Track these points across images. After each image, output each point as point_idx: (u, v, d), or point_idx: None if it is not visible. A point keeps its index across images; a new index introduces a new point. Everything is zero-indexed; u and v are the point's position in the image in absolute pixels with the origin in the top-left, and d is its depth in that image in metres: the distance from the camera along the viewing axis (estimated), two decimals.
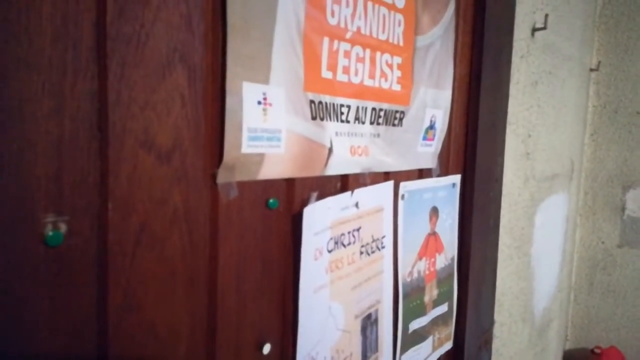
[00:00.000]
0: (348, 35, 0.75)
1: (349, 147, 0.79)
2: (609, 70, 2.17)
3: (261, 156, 0.62)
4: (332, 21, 0.72)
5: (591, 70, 2.13)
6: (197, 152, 0.55)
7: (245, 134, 0.59)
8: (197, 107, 0.55)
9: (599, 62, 2.15)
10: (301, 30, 0.67)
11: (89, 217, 0.45)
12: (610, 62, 2.17)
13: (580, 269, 2.23)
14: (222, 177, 0.58)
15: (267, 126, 0.62)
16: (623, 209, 2.12)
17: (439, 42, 0.99)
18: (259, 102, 0.61)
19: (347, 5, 0.74)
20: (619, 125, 2.16)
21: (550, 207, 1.70)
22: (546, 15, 1.42)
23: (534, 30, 1.42)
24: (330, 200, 0.75)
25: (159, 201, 0.51)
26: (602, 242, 2.17)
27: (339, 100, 0.76)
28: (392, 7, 0.84)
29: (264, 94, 0.62)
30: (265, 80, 0.62)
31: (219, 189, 0.58)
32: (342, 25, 0.74)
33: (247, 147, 0.60)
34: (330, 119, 0.74)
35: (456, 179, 1.14)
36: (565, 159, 1.86)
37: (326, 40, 0.71)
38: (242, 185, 0.61)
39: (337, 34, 0.73)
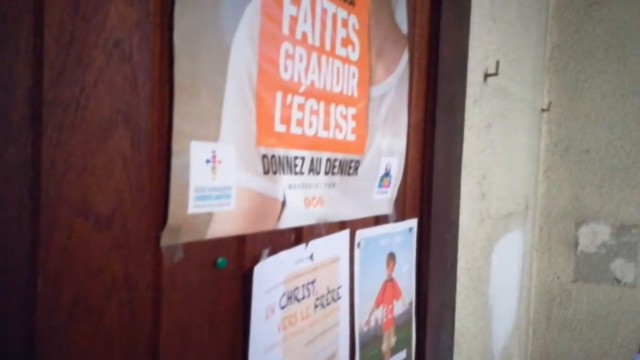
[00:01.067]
0: (302, 89, 0.75)
1: (303, 199, 0.78)
2: (559, 111, 2.28)
3: (209, 215, 0.61)
4: (286, 76, 0.72)
5: (543, 110, 2.23)
6: (139, 216, 0.53)
7: (192, 194, 0.58)
8: (141, 169, 0.53)
9: (550, 103, 2.25)
10: (253, 85, 0.67)
11: (16, 295, 0.42)
12: (560, 103, 2.28)
13: (538, 304, 2.27)
14: (166, 240, 0.56)
15: (216, 184, 0.61)
16: (576, 244, 2.19)
17: (393, 92, 1.01)
18: (208, 161, 0.60)
19: (301, 60, 0.75)
20: (570, 163, 2.25)
21: (506, 245, 1.74)
22: (497, 62, 1.48)
23: (487, 75, 1.48)
24: (283, 255, 0.74)
25: (96, 271, 0.49)
26: (558, 277, 2.22)
27: (293, 152, 0.75)
28: (346, 60, 0.85)
29: (214, 151, 0.61)
30: (215, 138, 0.61)
31: (162, 253, 0.56)
32: (296, 79, 0.74)
33: (194, 207, 0.58)
34: (284, 172, 0.74)
35: (413, 223, 1.15)
36: (519, 197, 1.91)
37: (279, 94, 0.71)
38: (188, 246, 0.59)
39: (290, 88, 0.73)
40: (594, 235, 2.16)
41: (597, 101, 2.23)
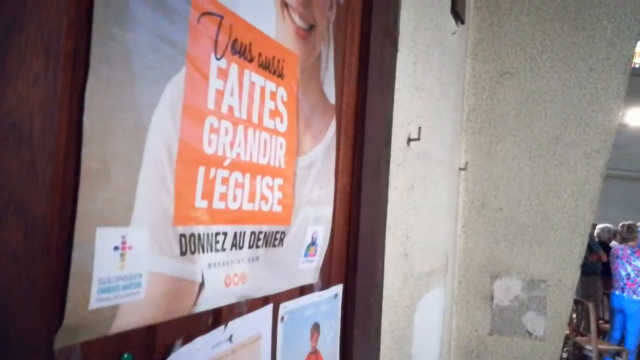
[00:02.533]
0: (226, 163, 0.73)
1: (223, 278, 0.74)
2: (475, 170, 2.42)
3: (115, 308, 0.55)
4: (209, 150, 0.69)
5: (460, 169, 2.37)
6: (30, 317, 0.47)
7: (95, 287, 0.52)
8: (35, 264, 0.47)
9: (467, 163, 2.40)
10: (173, 162, 0.63)
11: None
12: (476, 162, 2.43)
13: (457, 356, 2.33)
14: (61, 342, 0.49)
15: (124, 273, 0.56)
16: (492, 297, 2.30)
17: (320, 160, 1.01)
18: (116, 248, 0.55)
19: (226, 134, 0.72)
20: (485, 219, 2.39)
21: (428, 303, 1.77)
22: (419, 128, 1.55)
23: (409, 140, 1.54)
24: (198, 341, 0.69)
25: None
26: (476, 330, 2.30)
27: (215, 228, 0.72)
28: (274, 132, 0.84)
29: (123, 237, 0.56)
30: (126, 222, 0.56)
31: (55, 357, 0.49)
32: (220, 153, 0.71)
33: (96, 302, 0.52)
34: (203, 251, 0.69)
35: (338, 289, 1.14)
36: (440, 254, 1.98)
37: (202, 169, 0.68)
38: (87, 345, 0.52)
39: (214, 162, 0.70)
40: (507, 289, 2.28)
41: (509, 162, 2.41)
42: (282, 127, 0.87)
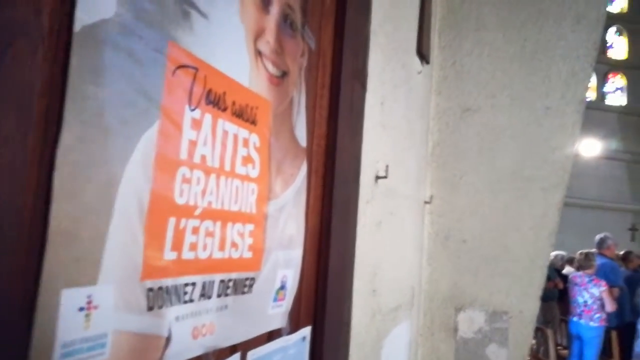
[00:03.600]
0: (197, 212, 0.72)
1: (191, 330, 0.72)
2: (439, 202, 2.48)
3: None
4: (181, 200, 0.69)
5: (426, 202, 2.42)
6: None
7: (58, 352, 0.50)
8: None
9: (432, 196, 2.45)
10: (144, 215, 0.62)
11: None
12: (441, 195, 2.49)
13: None
14: None
15: (89, 334, 0.54)
16: (456, 329, 2.32)
17: (291, 203, 1.01)
18: (82, 308, 0.53)
19: (198, 183, 0.72)
20: (449, 251, 2.43)
21: (395, 338, 1.78)
22: (387, 166, 1.58)
23: (377, 178, 1.57)
24: None
25: None
26: None
27: (183, 279, 0.71)
28: (245, 178, 0.84)
29: (89, 297, 0.54)
30: (93, 281, 0.55)
31: None
32: (192, 202, 0.71)
33: None
34: (171, 304, 0.68)
35: (306, 331, 1.13)
36: (407, 288, 2.00)
37: (172, 220, 0.68)
38: None
39: (185, 212, 0.70)
40: (471, 321, 2.31)
41: (472, 195, 2.48)
42: (254, 173, 0.87)
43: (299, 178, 1.05)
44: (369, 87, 1.47)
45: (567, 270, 6.44)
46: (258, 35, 0.87)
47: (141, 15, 0.61)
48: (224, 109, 0.78)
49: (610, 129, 13.29)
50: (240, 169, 0.82)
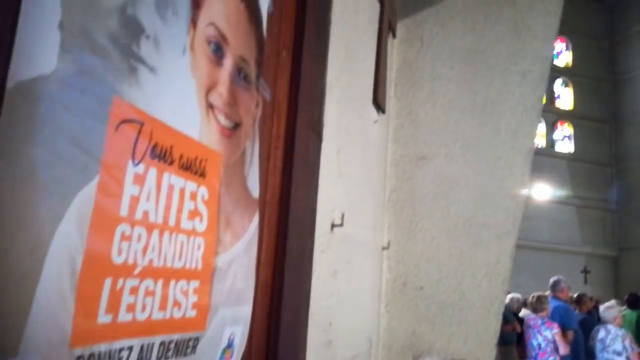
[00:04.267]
0: (137, 271, 0.69)
1: None
2: (397, 249, 2.50)
3: None
4: (119, 260, 0.66)
5: (383, 248, 2.43)
6: None
7: None
8: None
9: (389, 242, 2.47)
10: (76, 278, 0.59)
11: None
12: (398, 242, 2.51)
13: None
14: None
15: None
16: None
17: (241, 257, 0.99)
18: None
19: (139, 240, 0.69)
20: (407, 298, 2.43)
21: None
22: (343, 214, 1.59)
23: (333, 226, 1.57)
24: None
25: None
26: None
27: (119, 344, 0.66)
28: (192, 233, 0.82)
29: None
30: (13, 353, 0.50)
31: None
32: (131, 261, 0.68)
33: None
34: None
35: None
36: (364, 338, 1.97)
37: (108, 281, 0.64)
38: None
39: (123, 272, 0.66)
40: None
41: (428, 242, 2.51)
42: (202, 226, 0.85)
43: (250, 230, 1.03)
44: (325, 137, 1.49)
45: (524, 313, 6.55)
46: (210, 88, 0.87)
47: (84, 70, 0.60)
48: (171, 163, 0.76)
49: (560, 175, 13.97)
50: (186, 224, 0.80)
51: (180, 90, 0.79)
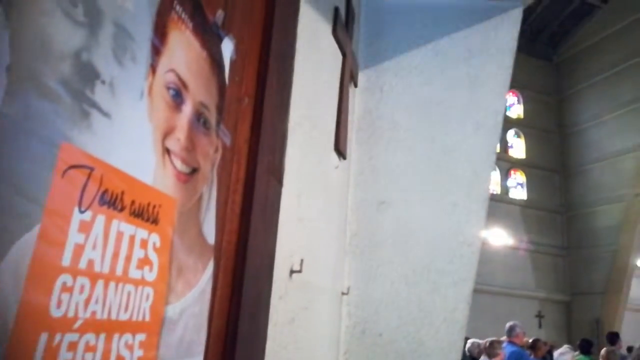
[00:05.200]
0: (77, 325, 0.65)
1: None
2: (357, 294, 2.47)
3: None
4: (57, 313, 0.62)
5: (343, 294, 2.40)
6: None
7: None
8: None
9: (349, 287, 2.44)
10: (7, 334, 0.54)
11: None
12: (358, 287, 2.49)
13: None
14: None
15: None
16: None
17: (193, 306, 0.95)
18: None
19: (81, 292, 0.65)
20: (365, 345, 2.39)
21: None
22: (302, 260, 1.57)
23: (292, 272, 1.54)
24: None
25: None
26: None
27: None
28: (140, 282, 0.78)
29: None
30: None
31: None
32: (71, 314, 0.64)
33: None
34: None
35: None
36: None
37: (44, 336, 0.60)
38: None
39: (61, 326, 0.62)
40: None
41: (388, 287, 2.50)
42: (151, 276, 0.81)
43: (203, 278, 0.99)
44: (286, 181, 1.48)
45: (484, 358, 6.56)
46: (167, 133, 0.86)
47: (31, 114, 0.58)
48: (121, 209, 0.73)
49: (514, 221, 14.45)
50: (134, 273, 0.77)
51: (135, 135, 0.77)
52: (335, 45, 2.04)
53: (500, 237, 13.97)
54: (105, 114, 0.70)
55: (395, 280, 2.51)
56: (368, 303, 2.47)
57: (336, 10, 1.99)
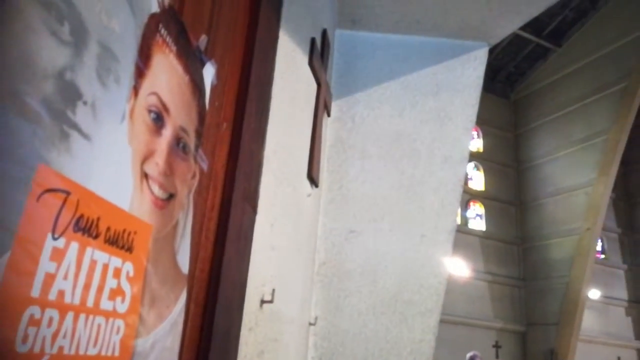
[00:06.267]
0: None
1: None
2: (324, 325, 2.43)
3: None
4: (23, 348, 0.57)
5: (310, 324, 2.35)
6: None
7: None
8: None
9: (317, 317, 2.40)
10: None
11: None
12: (325, 317, 2.45)
13: None
14: None
15: None
16: None
17: (164, 339, 0.90)
18: None
19: (50, 325, 0.61)
20: None
21: None
22: (273, 290, 1.53)
23: (263, 302, 1.50)
24: None
25: None
26: None
27: None
28: (111, 314, 0.74)
29: None
30: None
31: None
32: (37, 349, 0.59)
33: None
34: None
35: None
36: None
37: None
38: None
39: None
40: None
41: (355, 318, 2.48)
42: (123, 307, 0.77)
43: (176, 309, 0.95)
44: (260, 209, 1.46)
45: None
46: (147, 157, 0.83)
47: (8, 133, 0.54)
48: (96, 236, 0.69)
49: (474, 251, 14.76)
50: (105, 304, 0.72)
51: (114, 159, 0.74)
52: (311, 75, 2.06)
53: (460, 267, 14.21)
54: (85, 136, 0.67)
55: (362, 311, 2.49)
56: (335, 334, 2.43)
57: (313, 41, 2.02)
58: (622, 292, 14.70)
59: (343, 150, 2.72)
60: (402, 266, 2.57)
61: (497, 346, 14.36)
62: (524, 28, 11.80)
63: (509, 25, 2.74)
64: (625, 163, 14.04)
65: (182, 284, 0.98)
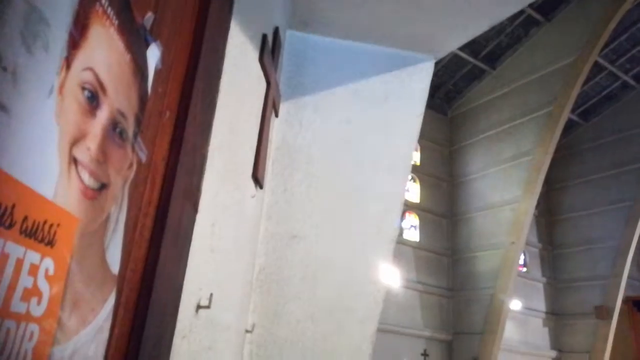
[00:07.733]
0: None
1: None
2: (261, 332, 2.35)
3: None
4: None
5: (247, 332, 2.26)
6: None
7: None
8: None
9: (254, 325, 2.31)
10: None
11: None
12: (263, 324, 2.37)
13: None
14: None
15: None
16: None
17: (87, 347, 0.80)
18: None
19: None
20: None
21: None
22: (211, 295, 1.44)
23: (199, 307, 1.40)
24: None
25: None
26: None
27: None
28: (24, 318, 0.63)
29: None
30: None
31: None
32: None
33: None
34: None
35: None
36: None
37: None
38: None
39: None
40: None
41: (293, 325, 2.41)
42: (39, 310, 0.66)
43: (102, 314, 0.85)
44: (201, 208, 1.37)
45: None
46: (77, 139, 0.73)
47: None
48: (9, 226, 0.59)
49: (407, 261, 15.16)
50: (18, 306, 0.62)
51: (37, 137, 0.64)
52: (260, 73, 1.99)
53: (393, 276, 14.53)
54: (2, 107, 0.57)
55: (301, 318, 2.43)
56: (272, 342, 2.36)
57: (264, 37, 1.95)
58: (541, 304, 15.67)
59: (289, 153, 2.66)
60: (343, 273, 2.54)
61: (425, 354, 14.79)
62: (462, 48, 12.38)
63: (455, 40, 2.82)
64: (548, 182, 15.07)
65: (110, 285, 0.87)
